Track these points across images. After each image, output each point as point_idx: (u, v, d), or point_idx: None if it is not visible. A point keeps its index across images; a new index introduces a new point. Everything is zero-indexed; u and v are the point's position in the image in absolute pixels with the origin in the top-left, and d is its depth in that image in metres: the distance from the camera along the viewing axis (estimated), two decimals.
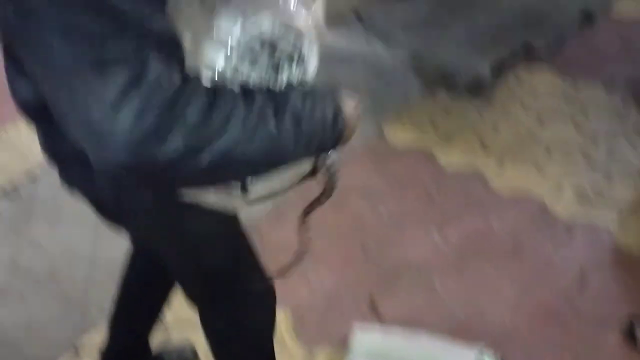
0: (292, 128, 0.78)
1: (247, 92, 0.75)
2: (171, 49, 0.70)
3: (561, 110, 2.77)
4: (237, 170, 0.78)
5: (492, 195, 2.34)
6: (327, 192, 1.03)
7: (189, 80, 0.70)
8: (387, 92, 2.85)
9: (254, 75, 0.79)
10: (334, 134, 0.87)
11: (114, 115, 0.63)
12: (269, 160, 0.79)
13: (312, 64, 0.87)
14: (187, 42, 0.75)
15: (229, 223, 1.15)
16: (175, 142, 0.66)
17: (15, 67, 0.86)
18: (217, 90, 0.72)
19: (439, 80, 2.92)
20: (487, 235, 2.17)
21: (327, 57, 2.91)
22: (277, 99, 0.78)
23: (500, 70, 2.97)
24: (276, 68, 0.81)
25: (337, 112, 0.86)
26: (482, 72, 2.93)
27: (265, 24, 0.78)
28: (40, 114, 0.86)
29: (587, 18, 3.35)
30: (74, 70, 0.64)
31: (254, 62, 0.79)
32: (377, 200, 2.28)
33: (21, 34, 0.68)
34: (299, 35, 0.83)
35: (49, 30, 0.64)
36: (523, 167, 2.47)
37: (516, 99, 2.84)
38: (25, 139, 2.16)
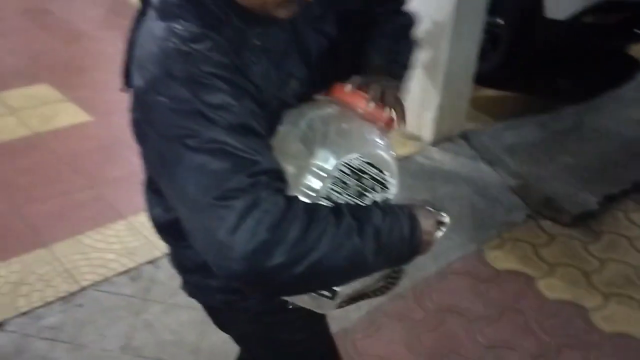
0: (373, 243, 0.89)
1: (336, 210, 0.88)
2: (277, 178, 0.86)
3: None
4: (324, 279, 0.91)
5: (593, 332, 2.28)
6: (379, 290, 1.10)
7: (291, 202, 0.85)
8: (491, 214, 2.89)
9: (343, 199, 0.95)
10: (410, 248, 0.95)
11: (233, 235, 0.80)
12: (352, 271, 0.91)
13: (394, 190, 1.01)
14: (289, 172, 0.93)
15: (319, 330, 1.29)
16: (279, 256, 0.81)
17: (152, 188, 1.08)
18: (313, 210, 0.86)
19: (544, 208, 2.92)
20: None
21: (433, 175, 3.04)
22: (361, 217, 0.90)
23: (608, 205, 2.94)
24: (362, 194, 0.97)
25: (414, 229, 0.94)
26: (589, 205, 2.91)
27: (354, 159, 0.94)
28: (170, 230, 1.09)
29: None
30: (203, 202, 0.82)
31: (343, 189, 0.95)
32: (474, 324, 2.28)
33: (162, 171, 0.88)
34: (382, 166, 0.97)
35: (184, 170, 0.83)
36: (628, 307, 2.40)
37: (624, 237, 2.79)
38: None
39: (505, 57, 3.70)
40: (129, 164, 2.73)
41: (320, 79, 1.05)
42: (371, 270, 0.94)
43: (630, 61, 4.26)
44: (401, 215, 0.94)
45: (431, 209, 1.01)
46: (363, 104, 1.02)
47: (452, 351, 2.16)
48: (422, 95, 3.16)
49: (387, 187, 0.99)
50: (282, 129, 0.99)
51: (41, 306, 2.05)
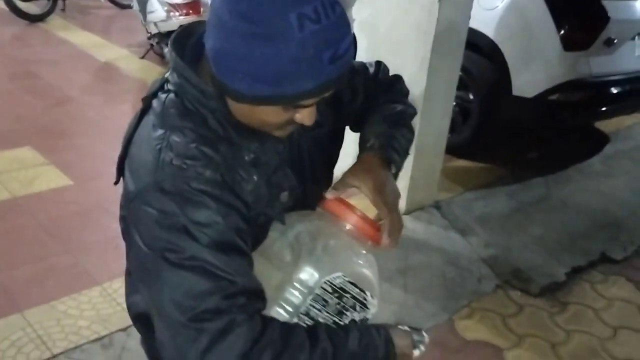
0: None
1: (313, 334, 0.91)
2: (254, 299, 0.89)
3: (636, 324, 2.76)
4: None
5: None
6: None
7: (267, 327, 0.87)
8: (461, 284, 2.95)
9: (322, 316, 0.97)
10: None
11: (203, 358, 0.83)
12: None
13: (374, 309, 1.04)
14: (272, 280, 0.95)
15: None
16: None
17: (134, 282, 1.09)
18: (288, 335, 0.88)
19: (513, 278, 3.00)
20: None
21: (406, 243, 3.12)
22: (337, 342, 0.92)
23: (575, 276, 3.03)
24: (342, 312, 0.99)
25: (388, 352, 0.98)
26: (557, 276, 3.00)
27: (337, 278, 0.97)
28: (145, 321, 1.07)
29: None
30: (176, 320, 0.85)
31: (323, 306, 0.97)
32: None
33: (141, 277, 0.91)
34: (364, 286, 1.00)
35: (161, 284, 0.86)
36: None
37: (590, 308, 2.86)
38: None
39: (476, 130, 3.86)
40: (107, 230, 2.77)
41: (310, 185, 1.07)
42: None
43: (598, 135, 4.45)
44: (377, 339, 0.97)
45: (408, 329, 1.05)
46: (353, 219, 1.00)
47: None
48: None
49: (367, 307, 1.01)
50: (270, 234, 1.01)
51: None
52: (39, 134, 3.80)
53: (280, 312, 0.95)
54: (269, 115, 0.89)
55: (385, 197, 1.03)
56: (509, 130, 3.98)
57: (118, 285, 2.48)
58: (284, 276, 0.96)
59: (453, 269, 3.03)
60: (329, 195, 1.01)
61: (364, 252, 1.03)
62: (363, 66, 1.22)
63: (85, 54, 5.54)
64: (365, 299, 1.00)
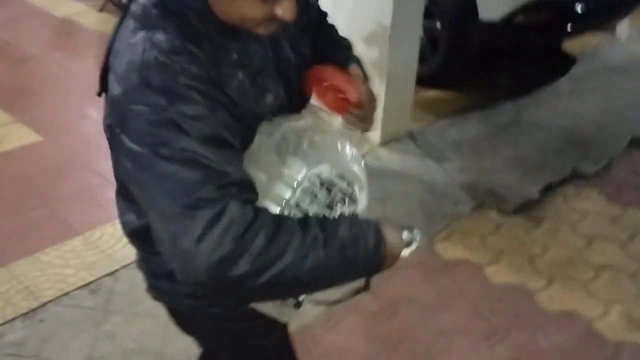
0: (338, 256, 0.92)
1: (304, 222, 0.92)
2: (246, 190, 0.91)
3: (609, 233, 2.86)
4: (288, 289, 0.96)
5: (539, 313, 2.41)
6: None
7: (259, 213, 0.88)
8: (438, 208, 3.01)
9: (312, 210, 0.99)
10: (375, 262, 0.98)
11: (198, 245, 0.84)
12: (316, 282, 0.94)
13: (362, 204, 1.06)
14: (261, 180, 0.97)
15: (283, 336, 1.35)
16: (243, 266, 0.85)
17: (122, 194, 1.11)
18: (280, 221, 0.90)
19: (489, 199, 3.07)
20: (534, 353, 2.23)
21: (383, 174, 3.17)
22: (328, 229, 0.93)
23: (549, 193, 3.11)
24: (331, 205, 1.01)
25: (378, 243, 0.97)
26: (531, 194, 3.07)
27: (325, 171, 1.00)
28: (140, 237, 1.11)
29: (636, 143, 3.49)
30: (171, 210, 0.86)
31: (313, 200, 0.99)
32: (426, 312, 2.39)
33: (133, 177, 0.92)
34: (352, 180, 1.03)
35: (154, 178, 0.87)
36: (571, 287, 2.55)
37: (564, 221, 2.95)
38: (110, 241, 2.43)
39: (445, 59, 3.85)
40: (81, 182, 2.76)
41: (296, 96, 1.10)
42: (335, 281, 0.96)
43: (565, 56, 4.48)
44: (367, 230, 0.96)
45: (401, 227, 1.04)
46: (339, 76, 1.05)
47: (407, 338, 2.27)
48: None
49: (355, 201, 1.04)
50: (257, 139, 1.02)
51: (2, 324, 2.07)
52: (4, 94, 3.71)
53: (270, 207, 0.96)
54: (249, 8, 0.90)
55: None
56: (478, 56, 3.99)
57: (99, 234, 2.49)
58: (273, 173, 0.98)
59: (430, 195, 3.08)
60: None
61: (350, 147, 1.04)
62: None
63: (41, 10, 5.35)
64: (353, 193, 1.02)
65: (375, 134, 3.34)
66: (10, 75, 4.01)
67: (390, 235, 1.00)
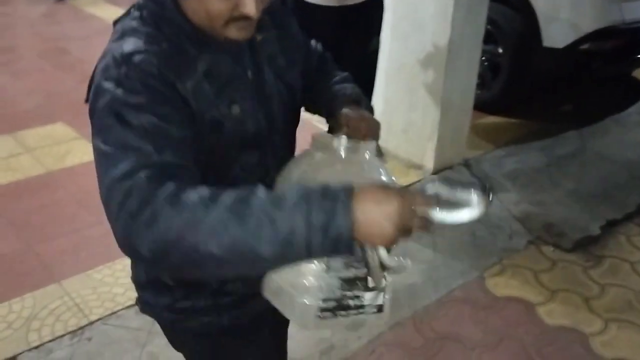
0: (257, 230, 0.81)
1: (213, 196, 0.84)
2: (172, 172, 0.90)
3: None
4: (207, 265, 0.84)
5: (592, 358, 2.29)
6: (365, 308, 1.03)
7: (180, 189, 0.85)
8: (492, 241, 2.93)
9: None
10: (326, 239, 0.81)
11: (110, 195, 0.88)
12: (239, 260, 0.83)
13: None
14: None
15: (265, 353, 1.34)
16: (150, 235, 0.83)
17: None
18: (186, 194, 0.85)
19: (546, 233, 2.96)
20: None
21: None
22: (242, 204, 0.83)
23: (610, 230, 2.97)
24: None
25: (330, 218, 0.80)
26: (591, 230, 2.94)
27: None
28: None
29: None
30: (103, 156, 0.92)
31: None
32: (471, 352, 2.31)
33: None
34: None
35: (96, 155, 0.94)
36: (629, 333, 2.41)
37: (626, 261, 2.81)
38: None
39: (506, 85, 3.77)
40: None
41: (280, 126, 1.14)
42: (266, 260, 0.83)
43: (635, 84, 4.30)
44: (307, 203, 0.81)
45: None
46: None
47: None
48: (421, 125, 3.23)
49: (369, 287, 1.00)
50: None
51: (51, 340, 2.14)
52: (70, 109, 3.87)
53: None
54: (213, 4, 0.96)
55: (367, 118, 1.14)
56: (540, 83, 3.88)
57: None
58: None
59: (483, 226, 3.00)
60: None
61: (379, 167, 1.04)
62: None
63: None
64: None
65: (428, 161, 3.29)
66: (78, 90, 4.15)
67: (364, 206, 0.82)
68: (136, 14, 1.03)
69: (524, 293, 2.62)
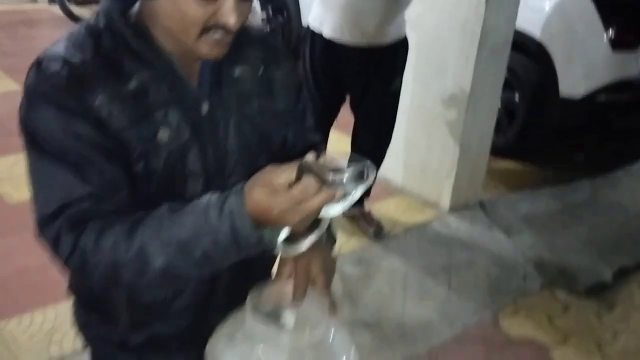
0: (179, 255, 0.85)
1: (131, 232, 0.88)
2: (87, 207, 0.89)
3: None
4: (155, 281, 0.90)
5: None
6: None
7: (79, 239, 0.88)
8: (506, 282, 2.95)
9: None
10: (222, 216, 0.84)
11: (41, 236, 0.91)
12: (176, 265, 0.87)
13: None
14: None
15: None
16: (86, 275, 0.90)
17: None
18: (104, 240, 0.88)
19: (559, 278, 2.99)
20: None
21: (450, 241, 3.14)
22: (161, 235, 0.86)
23: (623, 277, 3.00)
24: None
25: (223, 202, 0.84)
26: (604, 276, 2.97)
27: None
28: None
29: None
30: (29, 182, 0.92)
31: None
32: None
33: None
34: None
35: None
36: None
37: (637, 309, 2.83)
38: None
39: (521, 131, 3.85)
40: None
41: (228, 172, 1.02)
42: (197, 258, 0.86)
43: None
44: (219, 223, 0.84)
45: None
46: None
47: None
48: (439, 165, 3.30)
49: None
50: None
51: (73, 353, 2.15)
52: None
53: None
54: (186, 5, 0.86)
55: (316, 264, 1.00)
56: (555, 131, 3.96)
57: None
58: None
59: (497, 267, 3.03)
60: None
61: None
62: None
63: None
64: None
65: (444, 200, 3.34)
66: None
67: (250, 197, 0.83)
68: (90, 21, 0.95)
69: (538, 335, 2.63)
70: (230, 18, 0.87)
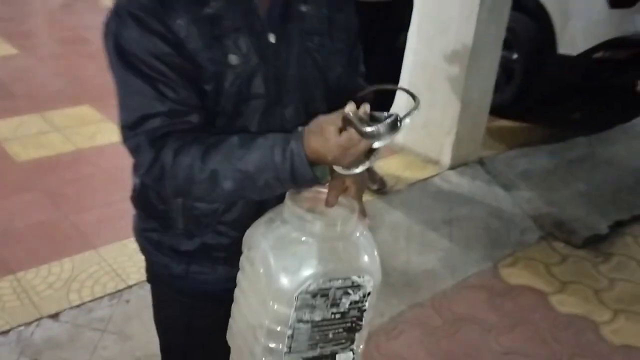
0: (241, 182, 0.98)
1: (205, 155, 0.99)
2: (167, 121, 0.99)
3: None
4: (219, 196, 1.03)
5: (603, 344, 2.41)
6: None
7: (161, 152, 0.99)
8: (505, 234, 3.04)
9: (317, 316, 0.98)
10: (287, 170, 0.95)
11: (124, 143, 1.02)
12: (237, 186, 0.99)
13: (370, 283, 1.01)
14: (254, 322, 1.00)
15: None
16: (163, 187, 1.04)
17: None
18: (181, 159, 0.99)
19: (557, 230, 3.08)
20: None
21: (451, 196, 3.21)
22: (231, 162, 0.98)
23: (618, 230, 3.10)
24: (336, 303, 0.99)
25: (285, 151, 0.95)
26: (600, 229, 3.07)
27: (309, 285, 0.96)
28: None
29: None
30: (116, 92, 1.03)
31: (312, 309, 0.98)
32: (488, 334, 2.42)
33: None
34: (343, 274, 0.99)
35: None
36: (636, 322, 2.53)
37: (633, 259, 2.93)
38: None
39: (519, 90, 3.91)
40: None
41: (296, 97, 1.10)
42: (253, 175, 0.97)
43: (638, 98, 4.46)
44: (279, 161, 0.95)
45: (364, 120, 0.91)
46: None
47: (468, 356, 2.30)
48: (440, 122, 3.35)
49: (360, 285, 0.99)
50: (242, 264, 1.06)
51: (91, 300, 2.23)
52: (96, 94, 3.97)
53: (274, 328, 0.99)
54: None
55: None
56: (552, 89, 4.02)
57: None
58: (259, 322, 1.00)
59: (497, 220, 3.12)
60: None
61: (333, 231, 1.00)
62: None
63: None
64: (353, 281, 0.99)
65: (445, 157, 3.41)
66: (101, 77, 4.21)
67: (311, 139, 0.94)
68: None
69: (537, 283, 2.73)
70: None
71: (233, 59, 1.02)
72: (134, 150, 1.01)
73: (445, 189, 3.29)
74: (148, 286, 2.17)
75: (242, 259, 1.08)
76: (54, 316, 2.15)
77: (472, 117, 3.36)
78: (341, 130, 0.91)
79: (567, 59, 3.70)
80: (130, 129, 1.00)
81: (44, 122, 3.54)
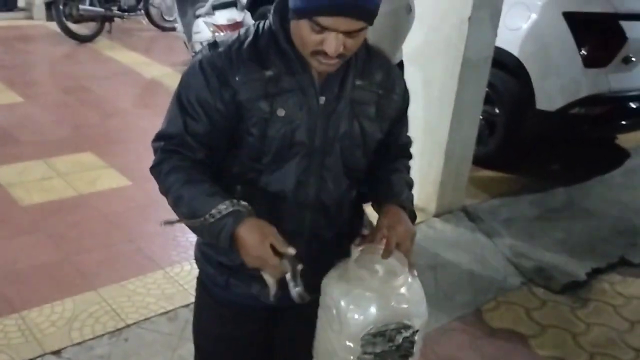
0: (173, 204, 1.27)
1: (167, 189, 1.28)
2: (179, 145, 1.27)
3: None
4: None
5: None
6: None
7: (162, 164, 1.27)
8: (488, 280, 3.18)
9: (377, 349, 1.25)
10: (214, 235, 1.22)
11: (153, 139, 1.32)
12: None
13: (418, 322, 1.30)
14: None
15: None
16: (157, 182, 1.31)
17: None
18: (171, 175, 1.27)
19: (537, 276, 3.22)
20: None
21: (436, 243, 3.35)
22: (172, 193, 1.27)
23: (595, 277, 3.24)
24: (392, 340, 1.25)
25: (220, 221, 1.20)
26: (578, 275, 3.22)
27: (372, 327, 1.24)
28: None
29: None
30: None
31: (374, 346, 1.25)
32: None
33: None
34: (396, 318, 1.25)
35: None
36: None
37: (609, 305, 3.07)
38: (187, 277, 2.73)
39: (502, 142, 4.11)
40: None
41: (339, 152, 1.32)
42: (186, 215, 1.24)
43: (619, 150, 4.67)
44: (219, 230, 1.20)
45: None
46: None
47: None
48: (426, 171, 3.53)
49: (410, 326, 1.26)
50: (321, 314, 1.33)
51: (92, 338, 2.33)
52: (97, 141, 4.14)
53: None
54: (304, 31, 1.17)
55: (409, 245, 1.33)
56: (533, 142, 4.22)
57: (179, 270, 2.78)
58: (333, 349, 1.29)
59: (480, 266, 3.26)
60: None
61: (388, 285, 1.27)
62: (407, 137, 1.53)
63: (132, 71, 5.91)
64: (405, 324, 1.25)
65: (430, 205, 3.57)
66: (103, 125, 4.46)
67: (246, 233, 1.20)
68: (259, 23, 1.30)
69: (518, 327, 2.86)
70: (330, 49, 1.16)
71: (281, 112, 1.25)
72: (154, 150, 1.30)
73: (431, 236, 3.44)
74: (144, 326, 2.32)
75: (320, 299, 1.32)
76: (57, 352, 2.25)
77: (455, 168, 3.54)
78: (275, 250, 1.19)
79: (545, 114, 3.92)
80: (157, 135, 1.30)
81: (48, 168, 3.69)
